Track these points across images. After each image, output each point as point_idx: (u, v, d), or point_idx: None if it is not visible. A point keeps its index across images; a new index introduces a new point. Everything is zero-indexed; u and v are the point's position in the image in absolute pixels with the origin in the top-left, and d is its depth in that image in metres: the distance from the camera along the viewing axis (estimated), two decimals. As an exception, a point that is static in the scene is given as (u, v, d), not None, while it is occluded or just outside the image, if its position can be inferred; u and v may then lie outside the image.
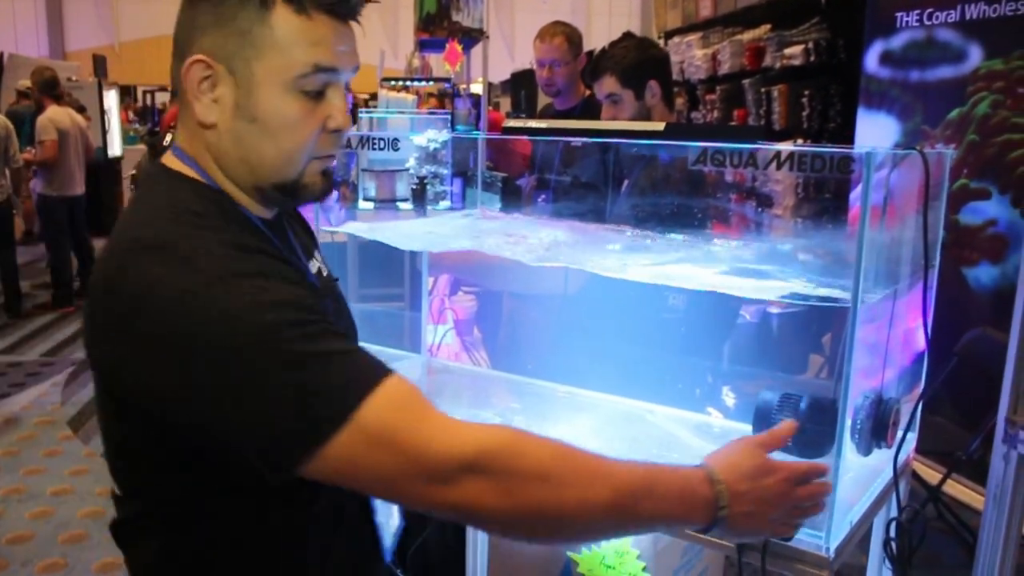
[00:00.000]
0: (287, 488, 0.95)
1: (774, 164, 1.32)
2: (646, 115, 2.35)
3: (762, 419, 1.46)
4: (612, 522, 0.93)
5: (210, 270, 0.87)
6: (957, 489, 2.94)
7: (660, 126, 1.47)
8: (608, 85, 2.37)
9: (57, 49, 15.76)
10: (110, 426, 1.00)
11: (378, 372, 0.87)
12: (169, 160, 1.03)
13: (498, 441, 0.88)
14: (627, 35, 2.50)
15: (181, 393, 0.85)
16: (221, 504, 0.98)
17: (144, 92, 15.12)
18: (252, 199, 1.04)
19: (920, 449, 1.85)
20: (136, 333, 0.86)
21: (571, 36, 3.28)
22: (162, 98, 13.80)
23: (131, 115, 12.92)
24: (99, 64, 11.49)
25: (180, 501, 0.98)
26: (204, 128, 0.99)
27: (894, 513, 1.52)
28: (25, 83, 7.56)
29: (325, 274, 1.22)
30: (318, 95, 0.98)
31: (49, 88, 6.37)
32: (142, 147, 8.93)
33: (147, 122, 13.06)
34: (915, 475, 2.78)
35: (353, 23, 1.01)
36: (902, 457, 1.49)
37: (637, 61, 2.36)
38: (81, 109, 7.61)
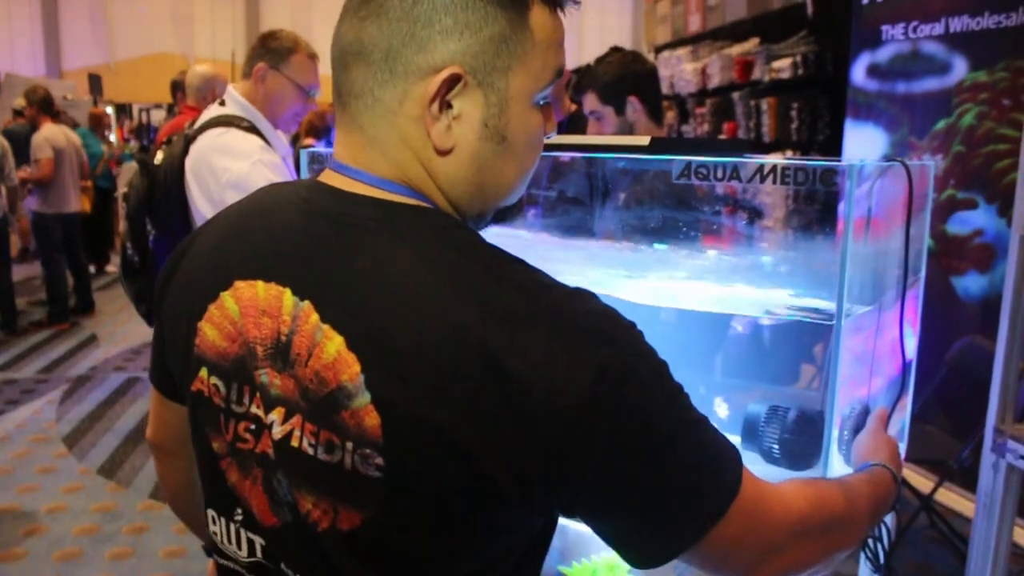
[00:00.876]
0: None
1: (757, 177, 1.34)
2: (628, 130, 2.37)
3: (750, 431, 1.47)
4: (869, 529, 1.04)
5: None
6: (949, 498, 2.95)
7: (646, 140, 1.49)
8: (590, 102, 2.40)
9: (53, 68, 15.81)
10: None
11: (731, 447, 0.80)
12: (369, 190, 0.81)
13: (812, 501, 0.87)
14: (614, 50, 2.52)
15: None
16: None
17: (139, 110, 15.15)
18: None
19: (912, 458, 1.86)
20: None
21: None
22: (157, 116, 13.82)
23: (126, 133, 12.97)
24: (95, 83, 11.54)
25: None
26: (439, 155, 0.79)
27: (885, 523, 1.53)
28: (20, 102, 7.58)
29: None
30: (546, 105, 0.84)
31: (45, 106, 6.39)
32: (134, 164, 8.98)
33: (142, 140, 13.08)
34: (907, 484, 2.79)
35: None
36: (890, 467, 1.50)
37: (616, 77, 2.38)
38: (77, 127, 7.64)
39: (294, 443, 0.78)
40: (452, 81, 0.76)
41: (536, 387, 0.69)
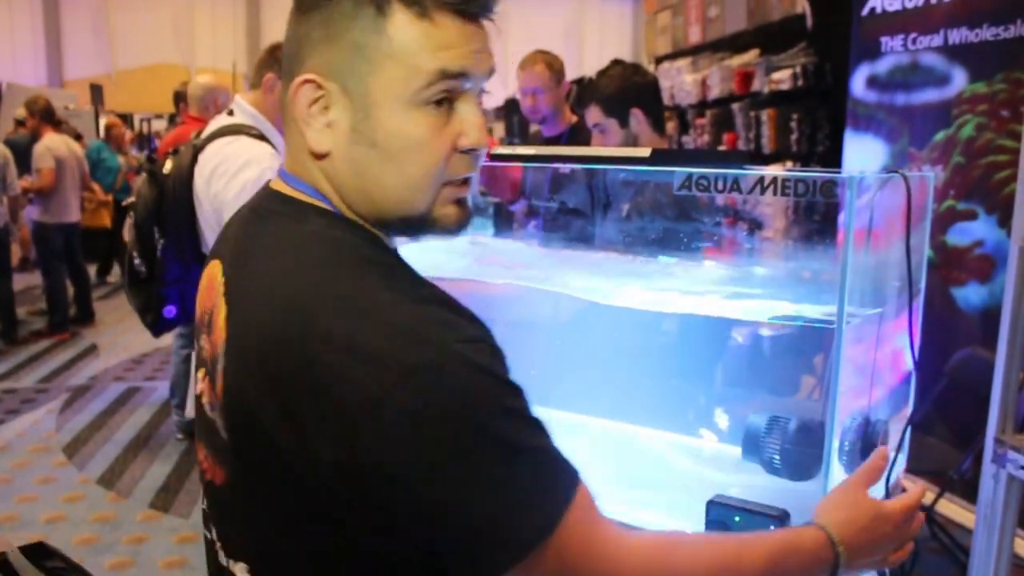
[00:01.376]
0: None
1: (758, 189, 1.34)
2: (632, 142, 2.39)
3: (751, 442, 1.47)
4: None
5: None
6: (950, 509, 2.94)
7: (646, 152, 1.50)
8: (594, 115, 2.41)
9: (55, 77, 15.84)
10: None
11: (574, 474, 0.80)
12: (284, 187, 0.90)
13: (653, 561, 0.84)
14: (615, 62, 2.54)
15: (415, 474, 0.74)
16: None
17: (140, 120, 15.18)
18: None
19: (912, 469, 1.86)
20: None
21: (552, 63, 3.33)
22: (158, 126, 13.85)
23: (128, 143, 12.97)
24: (96, 92, 11.57)
25: None
26: (317, 158, 0.86)
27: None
28: (22, 112, 7.60)
29: None
30: (448, 108, 0.85)
31: (46, 116, 6.41)
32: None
33: (143, 149, 13.10)
34: (909, 495, 2.78)
35: (487, 22, 0.86)
36: (892, 478, 1.50)
37: (619, 90, 2.40)
38: (78, 137, 7.66)
39: (202, 400, 0.91)
40: (311, 87, 0.84)
41: (346, 380, 0.73)
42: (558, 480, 0.79)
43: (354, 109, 0.83)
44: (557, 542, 0.75)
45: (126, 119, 14.95)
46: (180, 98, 5.33)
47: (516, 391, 0.79)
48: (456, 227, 0.90)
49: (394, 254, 0.89)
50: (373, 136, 0.83)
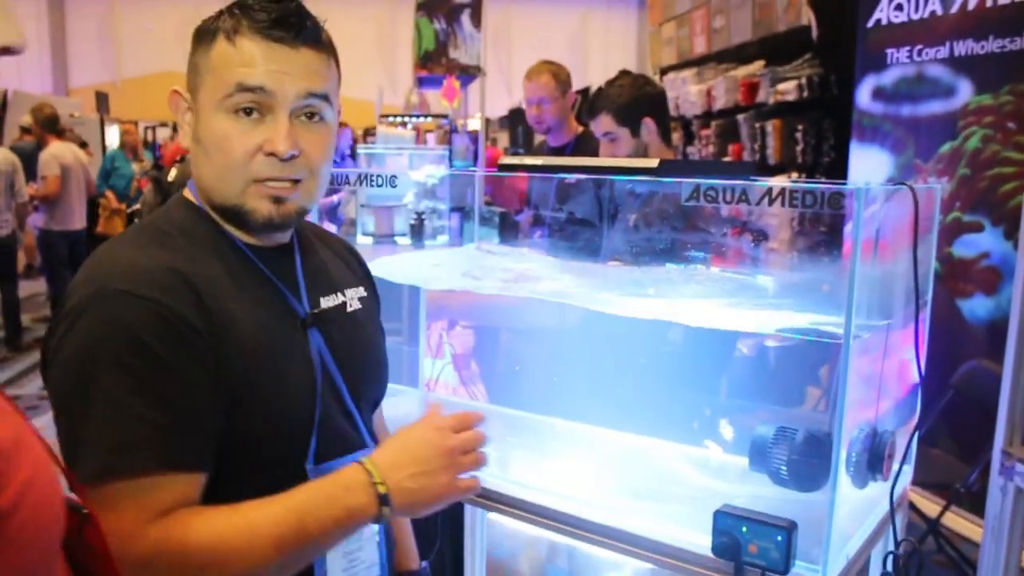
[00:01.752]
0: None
1: (765, 200, 1.34)
2: (643, 152, 2.39)
3: (758, 453, 1.47)
4: (281, 568, 0.97)
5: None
6: (957, 522, 2.93)
7: (654, 162, 1.50)
8: (604, 124, 2.41)
9: (60, 85, 15.91)
10: None
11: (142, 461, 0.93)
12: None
13: (162, 547, 0.91)
14: (623, 73, 2.54)
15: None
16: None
17: (145, 128, 15.23)
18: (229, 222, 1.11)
19: (919, 481, 1.85)
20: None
21: (557, 74, 3.33)
22: (163, 134, 13.89)
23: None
24: (101, 100, 11.61)
25: None
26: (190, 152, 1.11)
27: (891, 547, 1.52)
28: (27, 119, 7.63)
29: (352, 309, 1.21)
30: (259, 117, 1.04)
31: (51, 124, 6.43)
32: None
33: (149, 157, 13.13)
34: (914, 508, 2.77)
35: (319, 51, 1.06)
36: (898, 490, 1.50)
37: (632, 99, 2.40)
38: (83, 145, 7.68)
39: None
40: (177, 97, 1.11)
41: (62, 309, 0.99)
42: (120, 447, 0.92)
43: (195, 115, 1.08)
44: (98, 496, 0.89)
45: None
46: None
47: (136, 348, 0.93)
48: (264, 221, 1.07)
49: (208, 229, 1.09)
50: (199, 134, 1.07)
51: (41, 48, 15.86)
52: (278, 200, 1.06)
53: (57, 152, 6.30)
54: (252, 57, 1.02)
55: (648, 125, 2.39)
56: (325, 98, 1.07)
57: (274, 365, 1.05)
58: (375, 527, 1.14)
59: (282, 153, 1.03)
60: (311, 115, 1.07)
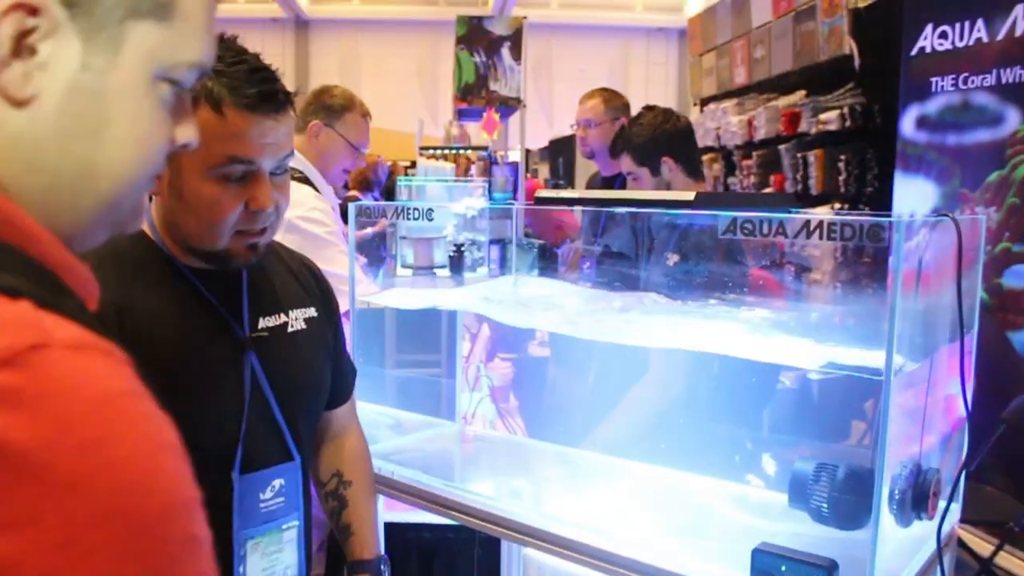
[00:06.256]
0: None
1: (803, 233, 1.33)
2: (665, 190, 2.38)
3: (798, 489, 1.44)
4: None
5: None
6: (1010, 561, 2.83)
7: (691, 196, 1.50)
8: (626, 163, 2.42)
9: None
10: None
11: None
12: None
13: None
14: (646, 109, 2.54)
15: None
16: None
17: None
18: (185, 254, 1.22)
19: (970, 519, 1.79)
20: None
21: (608, 99, 3.35)
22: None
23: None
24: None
25: None
26: (150, 200, 1.21)
27: (939, 587, 1.48)
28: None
29: (294, 329, 1.31)
30: (241, 179, 1.15)
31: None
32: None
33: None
34: (964, 546, 2.69)
35: (280, 116, 1.16)
36: (946, 528, 1.46)
37: (649, 139, 2.40)
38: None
39: None
40: None
41: None
42: None
43: (171, 168, 1.13)
44: None
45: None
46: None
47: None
48: (243, 263, 1.22)
49: (161, 260, 1.21)
50: (180, 190, 1.15)
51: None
52: (254, 246, 1.22)
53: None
54: (241, 131, 1.12)
55: (668, 164, 2.38)
56: (292, 153, 1.22)
57: (197, 384, 1.17)
58: (295, 530, 1.25)
59: (267, 209, 1.17)
60: (282, 170, 1.21)
